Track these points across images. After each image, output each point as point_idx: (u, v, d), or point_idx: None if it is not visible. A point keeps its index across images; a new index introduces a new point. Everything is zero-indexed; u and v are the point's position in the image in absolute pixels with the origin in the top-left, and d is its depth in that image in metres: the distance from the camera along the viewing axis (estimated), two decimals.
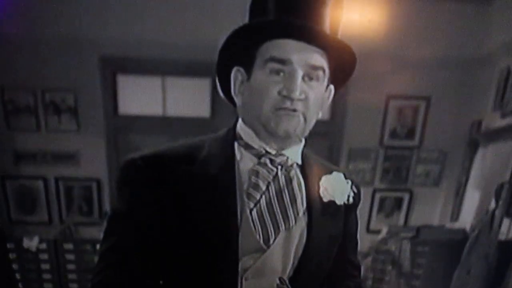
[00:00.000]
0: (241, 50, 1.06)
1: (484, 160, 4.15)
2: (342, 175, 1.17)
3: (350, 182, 1.18)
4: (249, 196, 1.07)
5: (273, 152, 1.10)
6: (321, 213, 1.12)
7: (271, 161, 1.10)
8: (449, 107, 4.08)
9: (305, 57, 1.03)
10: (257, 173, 1.08)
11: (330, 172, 1.17)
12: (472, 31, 4.11)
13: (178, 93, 4.12)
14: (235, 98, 1.14)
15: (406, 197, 4.51)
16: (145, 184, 1.05)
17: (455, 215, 4.37)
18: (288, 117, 1.05)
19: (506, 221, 3.37)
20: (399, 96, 4.11)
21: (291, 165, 1.13)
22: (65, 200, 4.13)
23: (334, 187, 1.14)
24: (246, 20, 1.11)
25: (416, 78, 3.93)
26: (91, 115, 3.97)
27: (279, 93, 1.04)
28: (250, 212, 1.06)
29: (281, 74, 1.03)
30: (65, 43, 3.61)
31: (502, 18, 4.04)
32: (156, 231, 1.04)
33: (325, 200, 1.14)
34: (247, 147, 1.11)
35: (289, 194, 1.10)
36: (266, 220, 1.07)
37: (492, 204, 3.55)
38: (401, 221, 4.54)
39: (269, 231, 1.07)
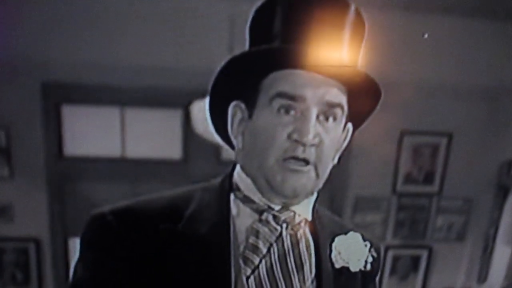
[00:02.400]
0: (240, 81, 1.05)
1: None
2: (360, 236, 1.16)
3: (369, 245, 1.16)
4: (246, 260, 1.04)
5: (277, 207, 1.07)
6: (333, 281, 1.10)
7: (275, 217, 1.06)
8: (474, 145, 4.05)
9: (321, 93, 1.00)
10: (256, 233, 1.05)
11: (345, 233, 1.15)
12: (501, 55, 3.95)
13: (140, 128, 4.00)
14: (232, 139, 1.11)
15: (424, 255, 4.38)
16: (115, 246, 1.02)
17: (483, 276, 4.28)
18: (298, 173, 1.02)
19: None
20: (415, 132, 4.06)
21: (299, 223, 1.09)
22: None
23: (350, 251, 1.13)
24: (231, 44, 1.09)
25: (436, 110, 3.91)
26: (28, 158, 3.78)
27: (289, 136, 1.00)
28: (247, 280, 1.03)
29: (292, 113, 1.00)
30: None
31: None
32: None
33: (337, 266, 1.11)
34: (246, 200, 1.08)
35: (295, 258, 1.06)
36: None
37: None
38: (419, 285, 4.44)
39: None
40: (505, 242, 4.10)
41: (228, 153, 4.29)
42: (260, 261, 1.05)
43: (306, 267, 1.08)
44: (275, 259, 1.06)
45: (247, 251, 1.05)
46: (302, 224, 1.11)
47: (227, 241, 1.05)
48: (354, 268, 1.14)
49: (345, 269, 1.13)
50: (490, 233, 4.24)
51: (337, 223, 1.23)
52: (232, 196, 1.10)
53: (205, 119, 3.33)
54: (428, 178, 4.14)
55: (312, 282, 1.10)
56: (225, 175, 1.14)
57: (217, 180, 1.14)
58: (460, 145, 4.06)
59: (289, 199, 1.07)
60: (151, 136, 4.01)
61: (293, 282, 1.06)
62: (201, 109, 3.32)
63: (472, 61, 3.79)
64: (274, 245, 1.06)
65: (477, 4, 3.64)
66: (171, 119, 3.97)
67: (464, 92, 3.85)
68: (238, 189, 1.10)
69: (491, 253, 4.23)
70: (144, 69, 3.62)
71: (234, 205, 1.08)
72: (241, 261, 1.04)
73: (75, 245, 4.19)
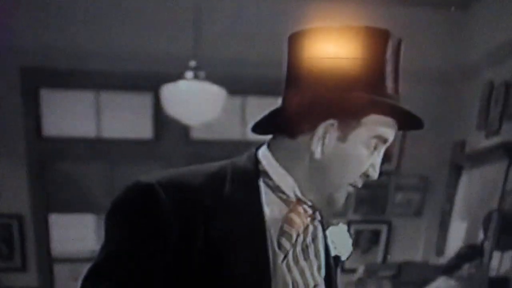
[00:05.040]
0: (340, 107, 1.07)
1: (470, 186, 4.14)
2: (346, 227, 1.20)
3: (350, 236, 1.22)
4: (280, 246, 1.07)
5: (307, 202, 1.11)
6: (334, 270, 1.16)
7: (305, 211, 1.11)
8: (429, 126, 3.98)
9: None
10: (291, 221, 1.09)
11: (337, 223, 1.19)
12: (450, 40, 4.13)
13: (114, 110, 4.07)
14: (315, 147, 1.08)
15: (384, 229, 4.49)
16: (163, 217, 1.00)
17: (440, 249, 4.34)
18: (347, 195, 1.11)
19: (496, 255, 3.31)
20: None
21: (318, 219, 1.15)
22: None
23: (340, 241, 1.18)
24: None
25: None
26: (9, 139, 3.87)
27: (365, 170, 1.09)
28: (281, 264, 1.07)
29: (376, 151, 1.09)
30: None
31: (481, 25, 4.07)
32: (177, 276, 1.01)
33: (332, 255, 1.16)
34: (277, 190, 1.10)
35: (314, 249, 1.12)
36: (295, 276, 1.08)
37: (481, 236, 3.51)
38: (379, 257, 4.53)
39: (299, 286, 1.08)
40: (460, 217, 4.18)
41: (196, 133, 4.48)
42: (289, 249, 1.09)
43: (321, 258, 1.13)
44: (300, 248, 1.10)
45: (282, 238, 1.08)
46: (318, 218, 1.16)
47: (263, 224, 1.06)
48: (344, 257, 1.18)
49: (337, 258, 1.18)
50: (446, 209, 4.31)
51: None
52: (261, 183, 1.11)
53: (176, 101, 3.54)
54: (386, 157, 4.06)
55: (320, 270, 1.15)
56: (250, 158, 1.14)
57: (243, 161, 1.14)
58: None
59: (328, 209, 1.14)
60: (124, 118, 4.07)
61: (312, 270, 1.11)
62: (172, 92, 3.53)
63: (425, 47, 3.84)
64: (301, 235, 1.10)
65: None
66: (143, 102, 4.04)
67: (420, 76, 3.85)
68: (269, 177, 1.11)
69: (447, 227, 4.29)
70: (117, 55, 3.74)
71: (263, 191, 1.10)
72: (276, 246, 1.07)
73: (56, 221, 4.35)
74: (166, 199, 1.00)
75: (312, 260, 1.12)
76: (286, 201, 1.10)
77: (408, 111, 1.07)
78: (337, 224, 1.19)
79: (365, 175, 1.08)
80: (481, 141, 3.95)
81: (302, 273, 1.09)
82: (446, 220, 4.35)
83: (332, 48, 1.06)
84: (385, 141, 1.08)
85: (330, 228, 1.17)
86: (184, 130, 4.02)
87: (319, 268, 1.12)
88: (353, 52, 1.06)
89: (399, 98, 1.08)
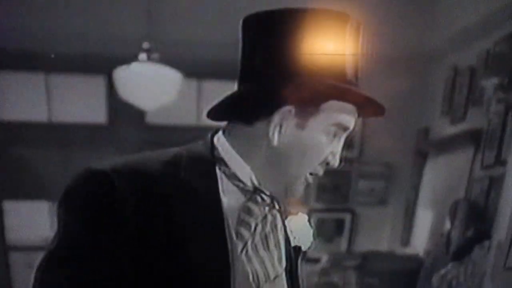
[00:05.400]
0: (297, 94, 1.05)
1: (435, 174, 4.14)
2: (306, 217, 1.20)
3: (311, 227, 1.21)
4: (238, 235, 1.07)
5: (265, 191, 1.11)
6: (295, 261, 1.18)
7: (263, 200, 1.10)
8: (391, 112, 3.98)
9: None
10: (249, 211, 1.08)
11: (296, 213, 1.19)
12: (413, 25, 4.10)
13: (66, 93, 4.01)
14: (273, 135, 1.07)
15: (347, 218, 4.49)
16: (118, 206, 0.99)
17: (406, 239, 4.36)
18: (306, 184, 1.10)
19: None
20: None
21: (277, 208, 1.14)
22: None
23: (300, 231, 1.17)
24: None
25: None
26: None
27: (325, 158, 1.09)
28: (240, 254, 1.07)
29: (336, 139, 1.08)
30: None
31: (445, 9, 4.08)
32: (134, 265, 1.00)
33: (292, 245, 1.17)
34: (233, 177, 1.09)
35: (274, 239, 1.12)
36: (255, 266, 1.08)
37: (448, 225, 3.48)
38: (344, 247, 4.54)
39: (260, 279, 1.09)
40: (426, 206, 4.18)
41: (152, 117, 4.41)
42: (248, 238, 1.09)
43: (282, 248, 1.14)
44: (259, 238, 1.10)
45: (239, 227, 1.08)
46: (277, 207, 1.15)
47: (221, 214, 1.06)
48: (304, 247, 1.18)
49: (298, 249, 1.18)
50: (411, 197, 4.34)
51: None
52: (217, 170, 1.10)
53: (129, 84, 3.47)
54: (348, 144, 4.17)
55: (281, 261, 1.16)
56: (206, 145, 1.13)
57: (199, 148, 1.13)
58: None
59: (286, 199, 1.14)
60: (77, 101, 4.01)
61: (273, 261, 1.12)
62: (125, 75, 3.46)
63: (388, 32, 3.75)
64: (260, 225, 1.10)
65: None
66: (95, 85, 3.98)
67: (382, 61, 3.75)
68: (226, 165, 1.11)
69: (412, 217, 4.31)
70: (68, 36, 3.67)
71: (220, 180, 1.10)
72: (234, 236, 1.07)
73: (10, 208, 4.34)
74: (121, 186, 0.99)
75: (272, 250, 1.12)
76: (243, 189, 1.09)
77: (369, 98, 1.06)
78: (297, 213, 1.19)
79: (325, 163, 1.08)
80: (447, 128, 3.95)
81: (262, 263, 1.10)
82: (411, 209, 4.37)
83: (289, 32, 1.04)
84: (345, 128, 1.08)
85: (290, 218, 1.17)
86: (139, 114, 3.99)
87: (279, 259, 1.13)
88: (310, 36, 1.05)
89: (359, 84, 1.08)
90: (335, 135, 1.08)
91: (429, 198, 4.19)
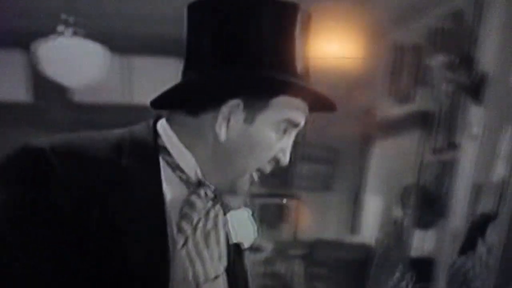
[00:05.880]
0: (246, 86, 1.04)
1: (383, 158, 4.11)
2: (249, 213, 1.20)
3: (255, 223, 1.22)
4: (180, 229, 1.06)
5: (209, 185, 1.10)
6: (238, 259, 1.19)
7: (206, 194, 1.09)
8: (334, 92, 3.99)
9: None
10: (192, 204, 1.07)
11: (239, 207, 1.19)
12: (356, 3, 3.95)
13: None
14: (220, 129, 1.06)
15: (291, 204, 4.47)
16: (54, 185, 0.96)
17: (355, 227, 4.37)
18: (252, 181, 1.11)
19: (418, 233, 3.19)
20: None
21: (220, 203, 1.14)
22: None
23: (241, 228, 1.17)
24: None
25: None
26: None
27: (274, 155, 1.09)
28: (180, 249, 1.06)
29: (286, 135, 1.08)
30: None
31: None
32: (68, 250, 0.96)
33: (231, 242, 1.16)
34: (177, 169, 1.08)
35: (215, 235, 1.12)
36: (195, 263, 1.08)
37: (398, 212, 3.43)
38: (289, 234, 4.47)
39: (199, 277, 1.09)
40: (374, 192, 4.17)
41: (80, 96, 4.32)
42: (190, 233, 1.09)
43: (222, 246, 1.14)
44: (201, 233, 1.10)
45: (182, 221, 1.08)
46: (220, 202, 1.15)
47: (162, 205, 1.05)
48: (246, 245, 1.19)
49: (239, 246, 1.19)
50: (357, 183, 4.32)
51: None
52: (161, 160, 1.09)
53: (52, 60, 3.21)
54: None
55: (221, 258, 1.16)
56: (149, 131, 1.11)
57: (141, 133, 1.11)
58: None
59: (230, 194, 1.14)
60: None
61: (214, 259, 1.12)
62: (49, 50, 3.23)
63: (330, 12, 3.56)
64: (203, 219, 1.11)
65: None
66: (16, 60, 3.84)
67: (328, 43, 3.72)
68: (169, 154, 1.10)
69: (361, 203, 4.31)
70: None
71: (162, 168, 1.09)
72: (175, 230, 1.07)
73: None
74: (59, 166, 0.97)
75: (213, 248, 1.12)
76: (186, 182, 1.09)
77: (321, 94, 1.05)
78: (239, 208, 1.19)
79: (275, 160, 1.08)
80: (394, 109, 3.89)
81: (202, 261, 1.10)
82: (359, 195, 4.35)
83: (236, 21, 1.03)
84: (295, 125, 1.08)
85: (231, 213, 1.16)
86: (64, 92, 3.89)
87: (220, 257, 1.13)
88: (258, 27, 1.03)
89: (310, 77, 1.07)
90: (285, 131, 1.07)
91: (377, 183, 4.17)
